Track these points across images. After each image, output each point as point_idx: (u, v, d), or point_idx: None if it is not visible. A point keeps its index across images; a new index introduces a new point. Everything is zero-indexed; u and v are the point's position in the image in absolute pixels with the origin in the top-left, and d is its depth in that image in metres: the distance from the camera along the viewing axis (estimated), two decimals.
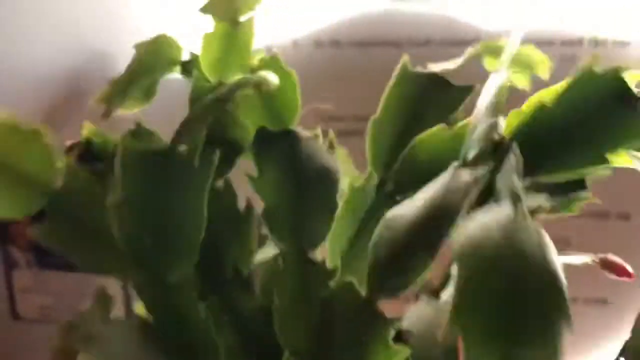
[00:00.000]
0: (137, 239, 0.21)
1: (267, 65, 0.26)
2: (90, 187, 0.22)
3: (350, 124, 0.39)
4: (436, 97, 0.28)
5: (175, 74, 0.31)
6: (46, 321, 0.62)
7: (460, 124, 0.25)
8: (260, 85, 0.22)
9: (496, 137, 0.19)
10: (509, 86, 0.22)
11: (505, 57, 0.24)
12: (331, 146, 0.26)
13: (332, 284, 0.23)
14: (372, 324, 0.21)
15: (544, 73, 0.33)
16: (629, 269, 0.26)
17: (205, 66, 0.27)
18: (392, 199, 0.27)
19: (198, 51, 0.28)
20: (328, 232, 0.23)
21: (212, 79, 0.27)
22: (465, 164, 0.20)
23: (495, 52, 0.31)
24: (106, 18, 0.48)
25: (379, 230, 0.22)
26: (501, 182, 0.19)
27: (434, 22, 0.44)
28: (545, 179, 0.21)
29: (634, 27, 0.41)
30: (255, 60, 0.26)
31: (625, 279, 0.27)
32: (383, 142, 0.28)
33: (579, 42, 0.42)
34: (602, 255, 0.27)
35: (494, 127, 0.19)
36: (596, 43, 0.42)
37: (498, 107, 0.20)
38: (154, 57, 0.28)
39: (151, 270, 0.22)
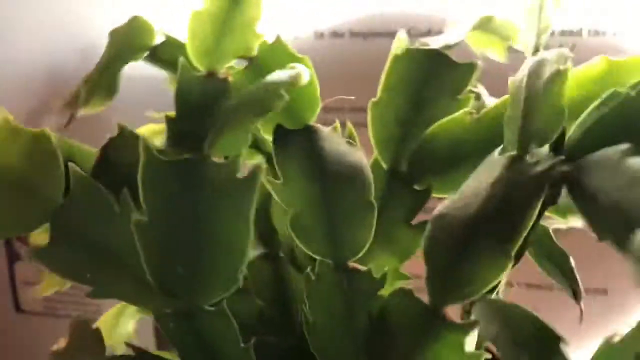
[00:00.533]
0: (167, 266, 0.18)
1: (273, 52, 0.22)
2: (101, 201, 0.18)
3: (348, 115, 0.37)
4: (439, 76, 0.27)
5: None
6: (49, 314, 0.60)
7: (484, 110, 0.24)
8: (294, 84, 0.19)
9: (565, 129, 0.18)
10: None
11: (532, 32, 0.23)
12: (351, 138, 0.23)
13: (382, 294, 0.21)
14: (441, 334, 0.19)
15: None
16: None
17: (193, 51, 0.23)
18: (408, 187, 0.26)
19: (179, 33, 0.24)
20: (370, 237, 0.21)
21: (202, 67, 0.24)
22: (524, 154, 0.19)
23: (483, 27, 0.30)
24: (93, 11, 0.43)
25: (430, 232, 0.20)
26: None
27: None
28: None
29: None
30: (254, 46, 0.23)
31: None
32: (388, 126, 0.26)
33: (578, 33, 0.43)
34: None
35: (561, 115, 0.18)
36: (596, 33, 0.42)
37: (559, 96, 0.18)
38: (125, 43, 0.23)
39: (183, 301, 0.19)
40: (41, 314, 0.61)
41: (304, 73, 0.19)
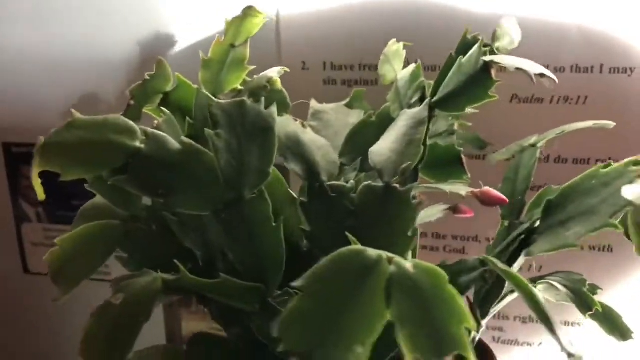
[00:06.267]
0: (230, 162, 0.29)
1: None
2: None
3: (358, 72, 0.44)
4: None
5: None
6: None
7: None
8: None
9: None
10: None
11: None
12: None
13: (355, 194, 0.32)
14: (394, 196, 0.31)
15: None
16: (502, 196, 0.32)
17: (204, 83, 0.36)
18: None
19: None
20: (337, 168, 0.34)
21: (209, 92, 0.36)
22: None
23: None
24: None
25: None
26: None
27: None
28: None
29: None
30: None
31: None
32: None
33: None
34: (477, 190, 0.35)
35: None
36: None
37: None
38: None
39: (235, 192, 0.29)
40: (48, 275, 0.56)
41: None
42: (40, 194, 0.30)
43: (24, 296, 0.64)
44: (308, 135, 0.35)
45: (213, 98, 0.29)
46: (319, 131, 0.41)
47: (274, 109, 0.31)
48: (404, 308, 0.23)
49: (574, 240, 0.25)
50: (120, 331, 0.27)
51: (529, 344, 0.54)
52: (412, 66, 0.37)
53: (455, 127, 0.37)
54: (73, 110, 0.31)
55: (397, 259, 0.24)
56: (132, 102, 0.34)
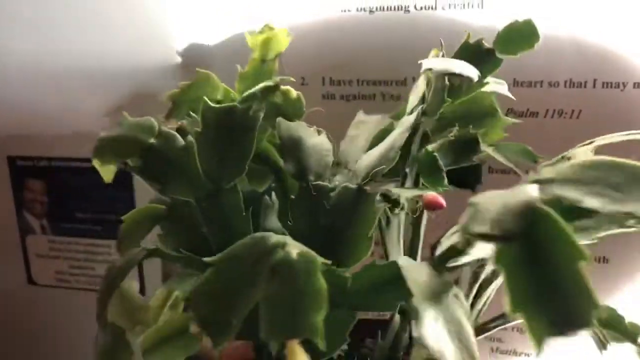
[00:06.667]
0: (209, 159, 0.33)
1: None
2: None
3: (356, 88, 0.46)
4: None
5: None
6: (60, 287, 0.61)
7: None
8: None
9: None
10: None
11: None
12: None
13: (334, 194, 0.34)
14: (365, 197, 0.32)
15: None
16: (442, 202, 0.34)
17: (239, 93, 0.41)
18: None
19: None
20: (329, 169, 0.36)
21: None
22: None
23: None
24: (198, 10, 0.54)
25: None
26: None
27: None
28: None
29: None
30: None
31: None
32: None
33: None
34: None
35: None
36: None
37: None
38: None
39: (214, 184, 0.33)
40: (52, 287, 0.62)
41: None
42: (108, 178, 0.39)
43: (28, 307, 0.64)
44: (315, 140, 0.38)
45: (209, 102, 0.34)
46: (355, 138, 0.43)
47: (259, 113, 0.34)
48: (272, 290, 0.24)
49: None
50: (111, 283, 0.34)
51: (527, 354, 0.53)
52: (423, 76, 0.37)
53: (452, 134, 0.35)
54: (124, 112, 0.39)
55: (290, 246, 0.26)
56: (172, 106, 0.41)
